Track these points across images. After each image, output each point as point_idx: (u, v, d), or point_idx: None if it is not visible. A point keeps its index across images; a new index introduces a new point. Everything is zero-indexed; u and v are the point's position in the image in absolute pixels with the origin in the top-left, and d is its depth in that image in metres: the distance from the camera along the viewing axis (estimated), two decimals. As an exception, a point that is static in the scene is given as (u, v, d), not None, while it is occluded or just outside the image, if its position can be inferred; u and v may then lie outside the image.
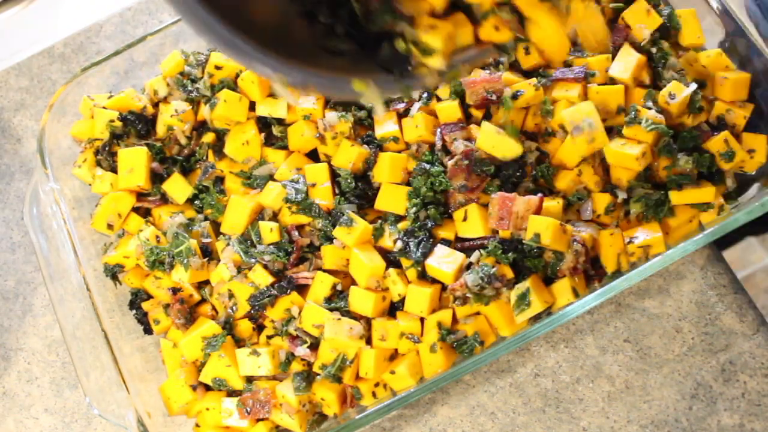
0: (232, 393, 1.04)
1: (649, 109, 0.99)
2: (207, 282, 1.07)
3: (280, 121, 1.10)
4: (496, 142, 0.98)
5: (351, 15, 0.71)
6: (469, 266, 0.98)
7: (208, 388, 1.05)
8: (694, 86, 1.00)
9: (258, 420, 1.01)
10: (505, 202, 0.96)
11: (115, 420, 0.97)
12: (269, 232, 1.04)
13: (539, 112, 1.02)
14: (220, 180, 1.12)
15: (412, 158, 1.04)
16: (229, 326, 1.05)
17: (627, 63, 1.02)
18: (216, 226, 1.10)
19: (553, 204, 0.98)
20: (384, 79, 0.71)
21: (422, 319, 0.99)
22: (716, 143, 1.00)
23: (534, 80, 1.02)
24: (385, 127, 1.05)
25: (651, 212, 0.99)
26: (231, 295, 1.04)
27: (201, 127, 1.14)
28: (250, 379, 1.03)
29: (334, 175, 1.06)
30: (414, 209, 1.00)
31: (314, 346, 1.01)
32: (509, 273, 0.98)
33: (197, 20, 0.61)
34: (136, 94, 1.15)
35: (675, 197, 0.98)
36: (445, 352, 0.97)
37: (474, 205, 0.99)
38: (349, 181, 1.04)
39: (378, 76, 0.71)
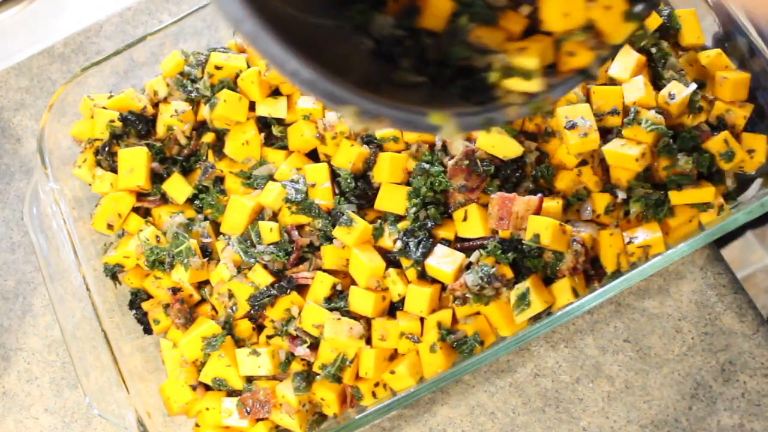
0: (232, 393, 1.04)
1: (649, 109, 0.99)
2: (207, 282, 1.07)
3: (280, 121, 1.10)
4: (496, 142, 0.98)
5: (421, 51, 0.69)
6: (468, 266, 0.98)
7: (208, 388, 1.05)
8: (693, 86, 1.00)
9: (258, 420, 1.01)
10: (504, 202, 0.96)
11: (115, 420, 0.97)
12: (269, 232, 1.04)
13: (539, 113, 1.02)
14: (220, 180, 1.12)
15: (412, 158, 1.04)
16: (229, 326, 1.05)
17: (627, 63, 1.02)
18: (216, 226, 1.10)
19: (553, 204, 0.98)
20: (464, 112, 0.67)
21: (422, 319, 0.99)
22: (716, 143, 1.00)
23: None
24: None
25: (651, 212, 0.99)
26: (231, 295, 1.04)
27: (201, 127, 1.14)
28: (250, 379, 1.03)
29: (334, 175, 1.06)
30: (414, 209, 1.00)
31: (314, 346, 1.01)
32: (509, 273, 0.98)
33: (270, 55, 0.58)
34: (136, 94, 1.15)
35: (675, 197, 0.98)
36: (445, 352, 0.97)
37: (474, 205, 0.99)
38: (349, 181, 1.04)
39: (458, 108, 0.67)
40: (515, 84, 0.67)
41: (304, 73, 0.59)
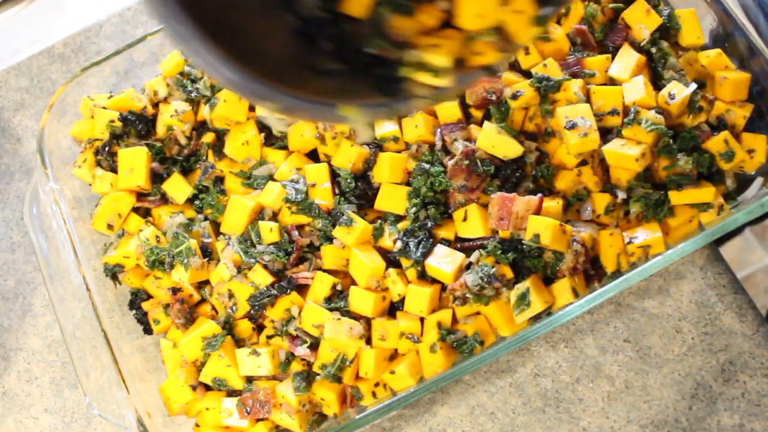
0: (232, 393, 1.04)
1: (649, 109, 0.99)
2: (207, 282, 1.07)
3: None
4: (496, 142, 0.98)
5: (341, 35, 0.70)
6: (468, 266, 0.98)
7: (208, 388, 1.05)
8: (693, 86, 1.00)
9: (258, 420, 1.01)
10: (504, 202, 0.96)
11: (115, 420, 0.97)
12: (269, 232, 1.04)
13: (539, 113, 1.02)
14: (220, 180, 1.12)
15: (412, 158, 1.04)
16: (229, 326, 1.05)
17: (626, 63, 1.02)
18: (216, 226, 1.10)
19: (553, 204, 0.98)
20: (371, 104, 0.70)
21: (422, 319, 0.99)
22: (716, 143, 1.00)
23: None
24: (384, 127, 1.05)
25: (651, 212, 0.99)
26: (231, 295, 1.04)
27: (201, 127, 1.14)
28: (250, 379, 1.03)
29: (334, 175, 1.06)
30: (414, 209, 1.00)
31: (314, 346, 1.01)
32: (509, 273, 0.98)
33: (181, 40, 0.58)
34: (136, 95, 1.15)
35: (675, 197, 0.98)
36: (445, 352, 0.97)
37: (474, 205, 0.99)
38: (349, 181, 1.04)
39: (365, 100, 0.69)
40: (425, 78, 0.69)
41: (225, 71, 0.59)
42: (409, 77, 0.70)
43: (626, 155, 0.96)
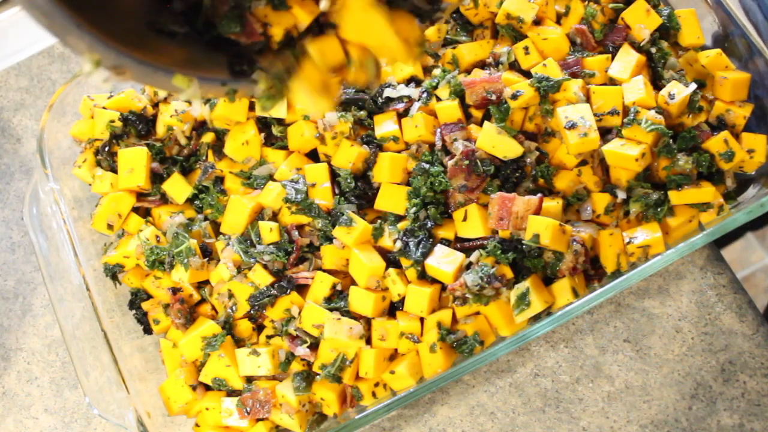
0: (232, 393, 1.04)
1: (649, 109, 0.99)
2: (207, 282, 1.07)
3: (280, 121, 1.10)
4: (496, 142, 0.98)
5: (197, 2, 0.65)
6: (468, 266, 0.98)
7: (208, 388, 1.05)
8: (693, 86, 1.00)
9: (258, 420, 1.01)
10: (504, 202, 0.96)
11: (115, 420, 0.97)
12: (269, 232, 1.04)
13: (539, 113, 1.02)
14: (220, 180, 1.12)
15: (412, 158, 1.04)
16: (228, 326, 1.05)
17: (626, 63, 1.02)
18: (216, 226, 1.10)
19: (553, 204, 0.98)
20: (210, 78, 0.66)
21: (422, 319, 0.99)
22: (716, 143, 1.00)
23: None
24: (384, 126, 1.05)
25: (651, 212, 0.99)
26: (231, 295, 1.04)
27: (201, 127, 1.14)
28: (250, 379, 1.03)
29: (333, 175, 1.06)
30: (414, 209, 1.00)
31: (314, 346, 1.01)
32: (509, 273, 0.98)
33: None
34: (136, 95, 1.15)
35: (675, 197, 0.98)
36: (445, 352, 0.97)
37: (474, 205, 0.99)
38: (349, 181, 1.04)
39: (206, 73, 0.65)
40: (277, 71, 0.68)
41: (51, 7, 0.52)
42: (262, 67, 0.67)
43: (626, 155, 0.96)
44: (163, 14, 0.64)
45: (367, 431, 1.07)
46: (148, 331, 1.10)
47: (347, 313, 1.00)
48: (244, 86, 0.69)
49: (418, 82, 1.09)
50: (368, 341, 1.00)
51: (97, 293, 1.05)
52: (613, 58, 1.04)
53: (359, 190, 1.05)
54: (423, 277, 1.00)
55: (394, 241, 1.01)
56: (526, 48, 1.05)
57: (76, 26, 0.54)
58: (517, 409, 1.05)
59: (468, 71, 1.08)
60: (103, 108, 1.14)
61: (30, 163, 1.30)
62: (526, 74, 1.05)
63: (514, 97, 1.00)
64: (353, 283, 1.01)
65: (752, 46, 1.00)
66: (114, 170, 1.13)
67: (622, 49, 1.04)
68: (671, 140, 0.98)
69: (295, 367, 1.02)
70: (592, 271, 0.99)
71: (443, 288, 1.01)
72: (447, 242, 1.00)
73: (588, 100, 1.01)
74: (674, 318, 1.05)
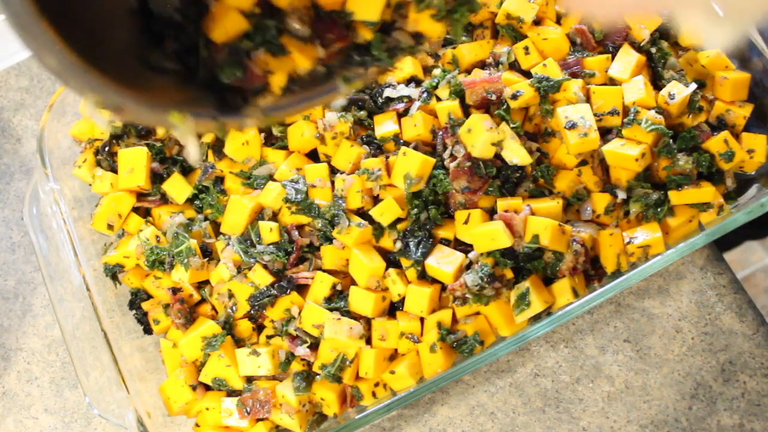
0: (232, 393, 1.04)
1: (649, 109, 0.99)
2: (207, 282, 1.07)
3: (280, 122, 1.10)
4: (506, 148, 0.98)
5: (191, 43, 0.66)
6: (468, 266, 0.98)
7: (208, 388, 1.05)
8: (693, 86, 1.00)
9: (258, 420, 1.01)
10: (508, 221, 0.96)
11: (115, 420, 0.97)
12: (269, 232, 1.04)
13: (539, 113, 1.02)
14: (220, 180, 1.12)
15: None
16: (228, 326, 1.05)
17: (626, 63, 1.02)
18: (216, 226, 1.10)
19: (553, 204, 0.98)
20: (201, 115, 0.66)
21: (422, 319, 0.99)
22: (716, 143, 1.00)
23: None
24: (384, 126, 1.05)
25: (651, 212, 0.99)
26: (231, 295, 1.04)
27: (201, 127, 1.14)
28: (250, 379, 1.03)
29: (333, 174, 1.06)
30: (415, 210, 1.00)
31: (314, 346, 1.01)
32: (509, 273, 0.98)
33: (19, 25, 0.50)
34: (136, 94, 1.15)
35: (675, 197, 0.98)
36: (445, 352, 0.97)
37: (478, 211, 0.99)
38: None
39: (197, 109, 0.66)
40: (268, 101, 0.68)
41: (47, 52, 0.52)
42: (253, 102, 0.68)
43: (626, 155, 0.96)
44: (155, 53, 0.65)
45: (367, 431, 1.07)
46: (148, 331, 1.10)
47: (347, 313, 1.00)
48: (235, 120, 0.69)
49: (418, 82, 1.09)
50: (368, 341, 1.00)
51: (97, 293, 1.05)
52: (613, 58, 1.04)
53: (359, 190, 1.05)
54: (423, 277, 1.00)
55: (394, 241, 1.01)
56: (526, 48, 1.05)
57: (83, 71, 0.55)
58: (517, 409, 1.05)
59: (468, 71, 1.08)
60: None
61: (30, 163, 1.30)
62: (526, 74, 1.05)
63: (514, 97, 1.00)
64: (353, 283, 1.01)
65: (752, 46, 1.00)
66: (114, 170, 1.13)
67: (622, 49, 1.04)
68: (671, 140, 0.98)
69: (295, 367, 1.02)
70: (592, 271, 0.99)
71: (443, 288, 1.01)
72: (447, 242, 1.00)
73: (588, 100, 1.01)
74: (674, 318, 1.05)
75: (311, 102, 0.72)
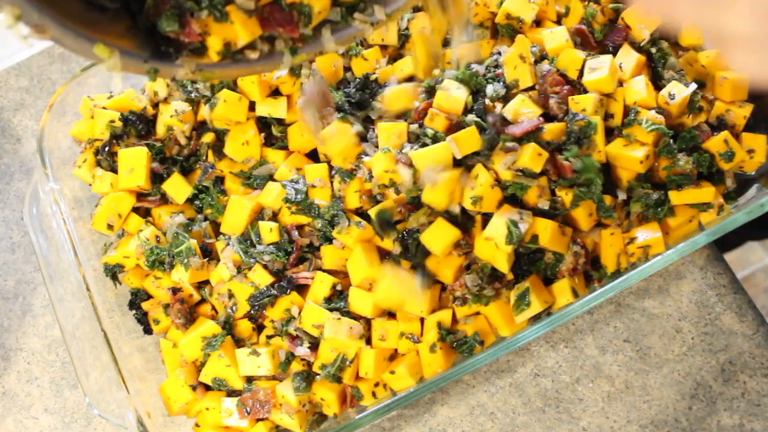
0: (232, 393, 1.04)
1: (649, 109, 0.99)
2: (207, 282, 1.07)
3: (280, 121, 1.10)
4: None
5: None
6: (468, 266, 0.98)
7: (208, 388, 1.05)
8: (693, 86, 1.00)
9: (258, 420, 1.01)
10: None
11: (115, 420, 0.97)
12: (269, 232, 1.04)
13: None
14: (220, 180, 1.12)
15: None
16: (229, 326, 1.05)
17: (627, 63, 1.02)
18: (216, 226, 1.10)
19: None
20: (132, 54, 0.66)
21: (422, 319, 0.99)
22: (716, 143, 1.00)
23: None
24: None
25: (651, 212, 0.99)
26: (231, 295, 1.04)
27: (201, 127, 1.14)
28: (250, 379, 1.03)
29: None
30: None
31: (314, 346, 1.01)
32: (509, 274, 0.98)
33: None
34: (136, 95, 1.15)
35: (675, 197, 0.98)
36: (445, 352, 0.97)
37: (477, 216, 0.99)
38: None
39: (127, 47, 0.66)
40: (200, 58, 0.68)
41: None
42: (186, 56, 0.68)
43: (631, 156, 0.96)
44: None
45: (367, 431, 1.07)
46: (148, 331, 1.10)
47: (347, 313, 1.00)
48: (167, 67, 0.69)
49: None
50: (368, 341, 1.00)
51: (97, 293, 1.05)
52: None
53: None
54: (423, 277, 1.00)
55: (394, 242, 1.01)
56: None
57: None
58: (517, 409, 1.05)
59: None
60: (103, 108, 1.14)
61: (30, 163, 1.30)
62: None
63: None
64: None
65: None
66: (114, 170, 1.13)
67: (622, 49, 1.04)
68: (671, 140, 0.98)
69: (295, 367, 1.02)
70: (592, 272, 0.99)
71: (443, 288, 1.01)
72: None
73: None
74: (674, 318, 1.05)
75: (250, 68, 0.73)
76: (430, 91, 1.04)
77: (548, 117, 0.99)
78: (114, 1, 0.66)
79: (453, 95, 1.00)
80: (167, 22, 0.66)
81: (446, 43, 1.12)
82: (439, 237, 0.95)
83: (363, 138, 1.05)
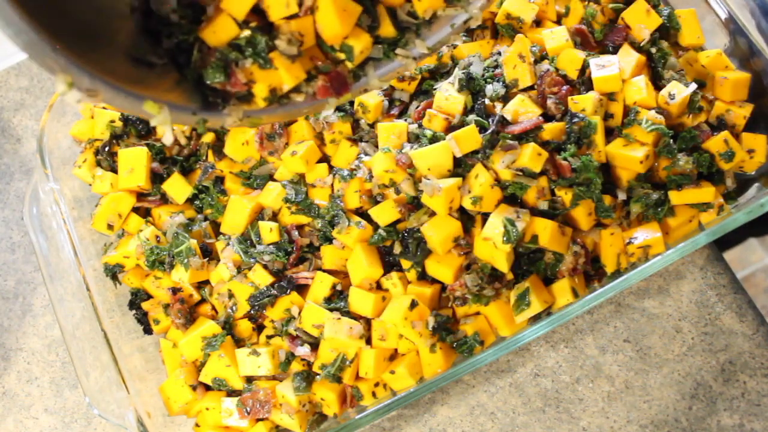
0: (232, 393, 1.04)
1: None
2: (207, 282, 1.07)
3: (262, 124, 1.10)
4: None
5: (184, 42, 0.68)
6: (468, 266, 0.98)
7: (208, 388, 1.05)
8: (693, 86, 1.00)
9: (258, 420, 1.01)
10: None
11: (115, 420, 0.97)
12: (269, 232, 1.04)
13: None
14: (220, 180, 1.12)
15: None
16: (228, 326, 1.05)
17: (627, 63, 1.02)
18: (216, 226, 1.10)
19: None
20: (181, 108, 0.68)
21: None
22: (716, 143, 1.00)
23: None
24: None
25: (651, 212, 0.99)
26: (231, 295, 1.04)
27: (201, 127, 1.14)
28: (250, 379, 1.03)
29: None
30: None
31: (314, 346, 1.01)
32: (509, 274, 0.98)
33: None
34: (136, 94, 1.15)
35: (675, 197, 0.98)
36: (445, 352, 0.97)
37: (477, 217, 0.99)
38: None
39: (176, 102, 0.67)
40: (246, 106, 0.70)
41: (23, 25, 0.52)
42: (233, 105, 0.70)
43: (631, 157, 0.96)
44: (145, 47, 0.67)
45: (367, 431, 1.07)
46: (148, 331, 1.10)
47: (347, 313, 1.00)
48: (215, 117, 0.71)
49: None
50: (368, 341, 1.00)
51: (97, 293, 1.05)
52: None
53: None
54: (423, 277, 1.00)
55: (393, 242, 1.01)
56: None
57: (51, 50, 0.55)
58: (517, 409, 1.05)
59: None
60: (103, 108, 1.14)
61: (30, 163, 1.30)
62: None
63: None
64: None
65: (752, 46, 1.00)
66: (114, 170, 1.13)
67: (622, 49, 1.04)
68: (671, 140, 0.98)
69: (295, 367, 1.02)
70: (592, 271, 0.99)
71: (443, 288, 1.01)
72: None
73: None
74: (674, 318, 1.05)
75: (297, 110, 0.74)
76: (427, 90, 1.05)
77: (548, 117, 0.99)
78: (161, 57, 0.68)
79: (452, 96, 1.00)
80: (213, 74, 0.68)
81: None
82: (440, 229, 0.95)
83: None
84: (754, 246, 2.22)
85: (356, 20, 0.71)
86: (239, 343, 1.06)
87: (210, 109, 0.70)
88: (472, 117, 0.98)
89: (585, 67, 1.01)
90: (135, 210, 1.12)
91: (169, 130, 0.67)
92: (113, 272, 1.11)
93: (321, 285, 1.01)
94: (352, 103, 1.07)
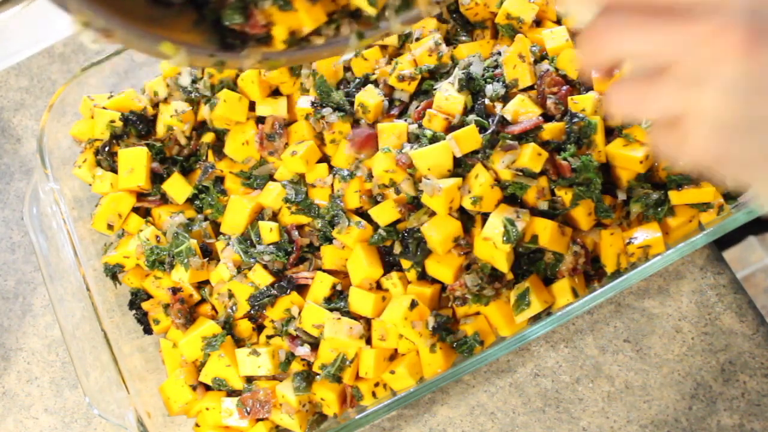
0: (232, 393, 1.04)
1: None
2: (207, 282, 1.07)
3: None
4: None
5: None
6: (468, 266, 0.98)
7: (208, 388, 1.05)
8: (694, 86, 1.00)
9: (258, 420, 1.01)
10: None
11: (115, 420, 0.97)
12: (269, 232, 1.04)
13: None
14: (220, 180, 1.12)
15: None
16: (229, 326, 1.05)
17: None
18: (216, 226, 1.10)
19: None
20: (197, 49, 0.66)
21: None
22: (716, 143, 0.99)
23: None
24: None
25: (651, 212, 0.99)
26: (231, 295, 1.04)
27: (201, 127, 1.14)
28: (250, 379, 1.03)
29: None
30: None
31: (314, 346, 1.01)
32: (509, 274, 0.98)
33: None
34: (136, 95, 1.15)
35: (675, 197, 0.98)
36: (445, 352, 0.97)
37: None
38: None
39: (193, 42, 0.66)
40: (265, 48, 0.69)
41: None
42: (252, 47, 0.69)
43: (631, 157, 0.96)
44: None
45: (367, 431, 1.07)
46: (148, 331, 1.10)
47: (347, 313, 1.00)
48: (233, 59, 0.69)
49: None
50: (368, 341, 1.00)
51: (97, 293, 1.05)
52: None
53: (359, 190, 1.04)
54: (423, 277, 1.00)
55: (393, 242, 1.01)
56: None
57: None
58: (517, 409, 1.05)
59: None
60: (103, 108, 1.14)
61: (30, 163, 1.30)
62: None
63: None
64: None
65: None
66: (114, 170, 1.13)
67: (622, 49, 1.03)
68: (671, 140, 0.98)
69: (295, 367, 1.02)
70: (592, 272, 0.99)
71: (443, 288, 1.01)
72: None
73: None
74: (674, 318, 1.05)
75: (316, 53, 0.72)
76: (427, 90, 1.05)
77: (548, 117, 1.00)
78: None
79: (452, 96, 1.00)
80: (232, 15, 0.66)
81: (447, 42, 1.12)
82: (440, 229, 0.95)
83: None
84: (754, 246, 2.22)
85: None
86: (239, 343, 1.06)
87: (228, 50, 0.69)
88: (472, 117, 0.98)
89: (585, 67, 1.01)
90: (135, 210, 1.12)
91: (186, 72, 0.66)
92: (113, 272, 1.11)
93: (321, 285, 1.01)
94: (352, 103, 1.07)
